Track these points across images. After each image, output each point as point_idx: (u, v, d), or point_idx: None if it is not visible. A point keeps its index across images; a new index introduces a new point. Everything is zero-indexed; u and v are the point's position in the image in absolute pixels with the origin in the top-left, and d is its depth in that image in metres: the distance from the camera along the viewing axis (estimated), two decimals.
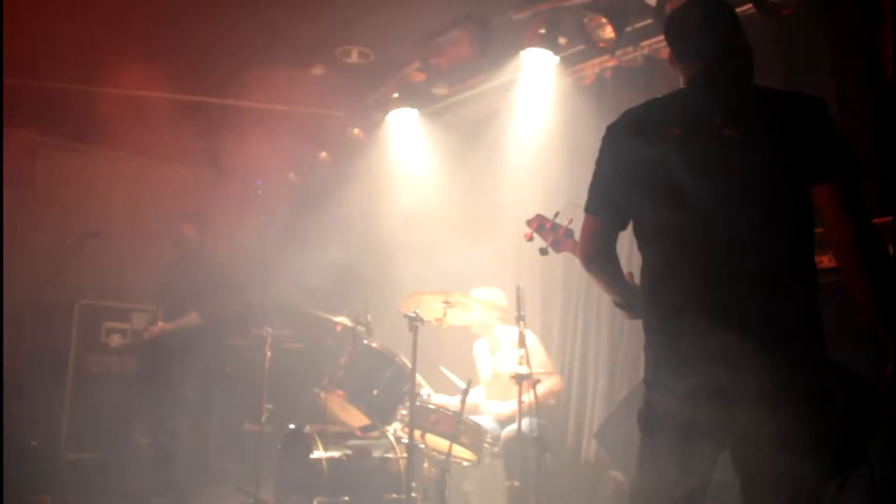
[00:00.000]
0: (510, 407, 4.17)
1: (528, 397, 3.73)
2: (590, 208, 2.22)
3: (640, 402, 2.13)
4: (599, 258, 2.23)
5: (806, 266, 2.02)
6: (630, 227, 2.23)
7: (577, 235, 3.12)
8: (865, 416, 2.03)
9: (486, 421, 4.36)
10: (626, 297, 2.30)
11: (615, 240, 2.22)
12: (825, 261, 2.09)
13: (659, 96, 2.21)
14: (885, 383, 1.90)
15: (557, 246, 3.16)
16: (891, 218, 2.77)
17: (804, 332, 1.97)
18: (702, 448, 2.01)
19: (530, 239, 3.25)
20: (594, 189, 2.22)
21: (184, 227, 5.49)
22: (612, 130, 2.22)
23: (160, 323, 5.38)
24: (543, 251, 3.17)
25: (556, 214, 3.20)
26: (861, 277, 1.91)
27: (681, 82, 2.22)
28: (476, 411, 4.44)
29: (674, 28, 2.24)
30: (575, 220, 3.09)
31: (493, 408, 4.46)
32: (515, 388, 3.77)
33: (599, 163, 2.23)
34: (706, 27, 2.15)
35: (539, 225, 3.23)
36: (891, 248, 2.55)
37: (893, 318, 1.87)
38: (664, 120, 2.10)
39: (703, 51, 2.14)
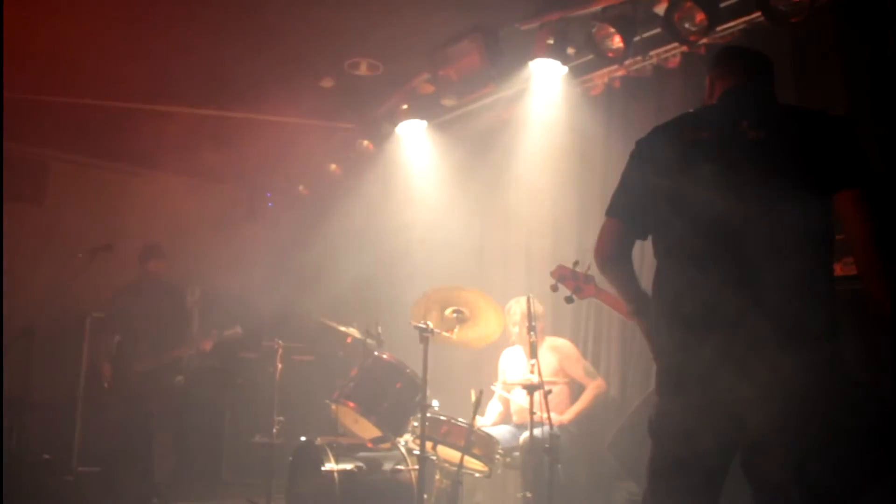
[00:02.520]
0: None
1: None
2: (611, 212, 2.28)
3: (650, 411, 2.12)
4: (615, 260, 2.27)
5: (827, 268, 2.04)
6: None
7: (597, 280, 3.30)
8: (888, 430, 2.00)
9: (501, 431, 4.35)
10: (639, 303, 2.31)
11: (632, 245, 2.27)
12: (838, 269, 2.08)
13: (690, 110, 2.30)
14: None
15: (580, 292, 3.47)
16: None
17: (824, 339, 1.96)
18: (712, 456, 2.00)
19: (555, 289, 3.56)
20: (619, 194, 2.28)
21: (150, 264, 5.52)
22: (640, 144, 2.28)
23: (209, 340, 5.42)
24: (569, 299, 3.48)
25: (576, 263, 3.49)
26: (879, 277, 1.93)
27: (712, 97, 2.31)
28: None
29: (728, 51, 2.41)
30: (592, 266, 3.27)
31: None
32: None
33: (625, 174, 2.28)
34: (754, 56, 2.34)
35: (560, 275, 3.55)
36: None
37: None
38: (694, 127, 2.18)
39: (744, 70, 2.27)
